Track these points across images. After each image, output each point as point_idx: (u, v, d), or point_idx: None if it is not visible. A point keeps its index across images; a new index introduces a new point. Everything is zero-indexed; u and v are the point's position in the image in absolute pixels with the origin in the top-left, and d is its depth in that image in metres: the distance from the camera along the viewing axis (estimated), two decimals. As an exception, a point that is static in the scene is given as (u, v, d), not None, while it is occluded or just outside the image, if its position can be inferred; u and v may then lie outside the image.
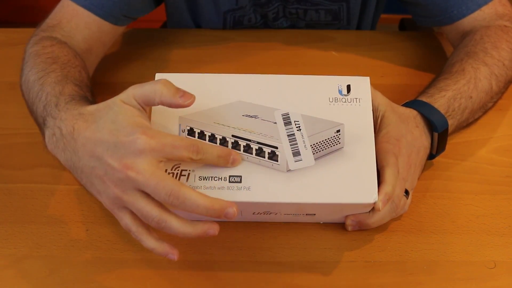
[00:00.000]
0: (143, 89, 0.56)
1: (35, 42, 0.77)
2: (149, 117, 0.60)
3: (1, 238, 0.66)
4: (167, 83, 0.56)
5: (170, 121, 0.62)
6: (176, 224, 0.54)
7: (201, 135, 0.61)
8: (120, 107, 0.56)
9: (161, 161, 0.55)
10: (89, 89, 0.71)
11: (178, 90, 0.56)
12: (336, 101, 0.63)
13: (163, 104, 0.56)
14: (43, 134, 0.64)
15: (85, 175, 0.58)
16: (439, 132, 0.69)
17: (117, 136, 0.54)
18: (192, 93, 0.61)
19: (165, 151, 0.54)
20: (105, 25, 0.81)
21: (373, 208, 0.60)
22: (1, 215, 0.69)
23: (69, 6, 0.80)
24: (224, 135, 0.60)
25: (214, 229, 0.55)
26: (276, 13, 0.95)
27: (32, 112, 0.69)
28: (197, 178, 0.59)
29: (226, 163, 0.58)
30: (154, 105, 0.57)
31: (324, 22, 0.98)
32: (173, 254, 0.57)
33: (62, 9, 0.81)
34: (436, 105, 0.71)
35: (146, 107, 0.57)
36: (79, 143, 0.57)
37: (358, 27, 1.02)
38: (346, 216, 0.65)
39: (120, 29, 0.85)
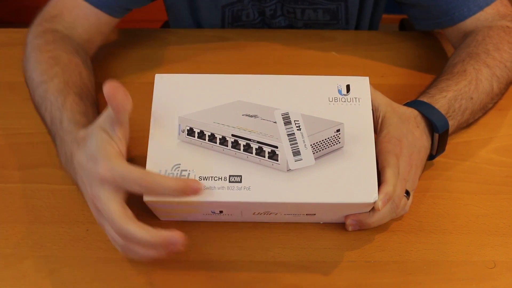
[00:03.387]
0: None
1: (38, 34, 0.80)
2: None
3: (1, 238, 0.66)
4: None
5: (169, 121, 0.62)
6: (140, 251, 0.58)
7: (201, 134, 0.61)
8: (96, 135, 0.59)
9: (119, 191, 0.57)
10: (89, 92, 0.74)
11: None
12: (336, 100, 0.63)
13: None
14: (53, 141, 0.70)
15: (83, 193, 0.62)
16: (439, 133, 0.69)
17: (89, 164, 0.58)
18: (191, 93, 0.62)
19: (117, 183, 0.56)
20: (102, 16, 0.84)
21: (373, 208, 0.60)
22: (1, 215, 0.69)
23: None
24: (224, 135, 0.60)
25: (176, 242, 0.55)
26: (274, 10, 0.95)
27: (37, 109, 0.74)
28: (197, 177, 0.59)
29: (184, 194, 0.57)
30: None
31: (322, 22, 0.98)
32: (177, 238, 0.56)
33: None
34: (437, 106, 0.71)
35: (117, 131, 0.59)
36: (75, 167, 0.62)
37: (357, 27, 1.02)
38: (346, 216, 0.65)
39: (116, 21, 0.87)
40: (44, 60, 0.75)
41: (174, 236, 0.55)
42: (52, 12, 0.83)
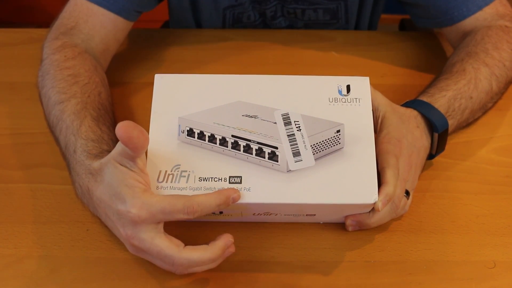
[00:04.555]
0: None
1: (56, 49, 0.77)
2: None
3: (1, 238, 0.66)
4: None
5: (169, 121, 0.62)
6: (201, 269, 0.59)
7: (201, 135, 0.61)
8: (113, 169, 0.57)
9: (158, 224, 0.57)
10: (107, 113, 0.72)
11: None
12: (336, 101, 0.63)
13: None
14: (67, 167, 0.68)
15: (110, 228, 0.63)
16: (439, 132, 0.69)
17: (115, 203, 0.57)
18: (191, 93, 0.62)
19: (157, 218, 0.56)
20: (119, 22, 0.82)
21: (373, 209, 0.60)
22: (1, 215, 0.69)
23: (83, 5, 0.81)
24: (224, 135, 0.60)
25: (231, 244, 0.59)
26: (274, 12, 0.95)
27: (51, 128, 0.72)
28: (197, 179, 0.59)
29: (227, 206, 0.57)
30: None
31: (322, 22, 0.98)
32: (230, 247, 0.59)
33: (76, 7, 0.81)
34: (436, 105, 0.71)
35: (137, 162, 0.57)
36: (95, 203, 0.61)
37: (357, 27, 1.02)
38: (346, 216, 0.65)
39: (131, 25, 0.86)
40: (62, 78, 0.73)
41: (229, 239, 0.58)
42: (68, 23, 0.80)
